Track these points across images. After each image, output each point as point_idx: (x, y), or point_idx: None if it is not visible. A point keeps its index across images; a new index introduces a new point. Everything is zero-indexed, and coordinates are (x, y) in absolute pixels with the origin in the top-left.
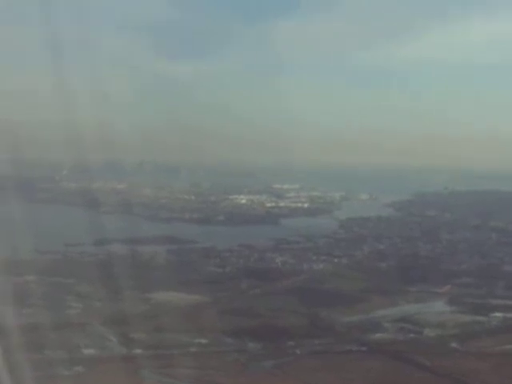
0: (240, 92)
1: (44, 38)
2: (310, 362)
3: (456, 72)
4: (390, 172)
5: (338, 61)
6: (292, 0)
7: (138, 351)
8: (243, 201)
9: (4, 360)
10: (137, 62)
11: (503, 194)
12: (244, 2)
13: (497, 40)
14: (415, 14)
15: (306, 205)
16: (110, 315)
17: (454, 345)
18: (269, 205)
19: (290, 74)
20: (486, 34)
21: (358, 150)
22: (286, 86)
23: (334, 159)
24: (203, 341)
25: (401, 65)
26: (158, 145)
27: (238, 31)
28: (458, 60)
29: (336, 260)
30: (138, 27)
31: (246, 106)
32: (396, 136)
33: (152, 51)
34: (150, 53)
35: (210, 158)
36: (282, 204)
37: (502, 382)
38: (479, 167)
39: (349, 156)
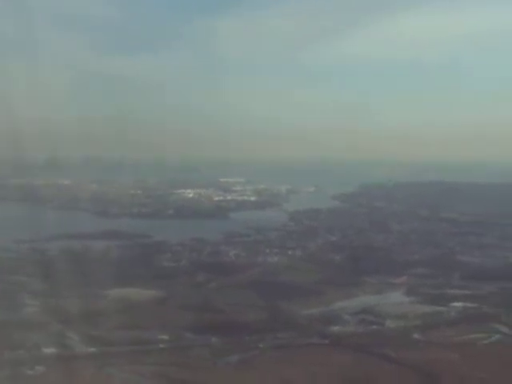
0: (184, 88)
1: None
2: (274, 355)
3: (396, 70)
4: (333, 165)
5: (281, 59)
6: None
7: (100, 348)
8: (190, 195)
9: None
10: (77, 58)
11: (448, 184)
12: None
13: (435, 39)
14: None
15: (252, 198)
16: (68, 313)
17: (416, 335)
18: (216, 198)
19: (235, 72)
20: (424, 32)
21: (300, 145)
22: (230, 83)
23: (277, 154)
24: (165, 337)
25: (342, 63)
26: (103, 141)
27: (178, 28)
28: (401, 59)
29: (289, 252)
30: (74, 23)
31: (189, 102)
32: (336, 131)
33: (92, 47)
34: (89, 48)
35: (155, 153)
36: (229, 197)
37: (466, 371)
38: (417, 159)
39: (292, 151)
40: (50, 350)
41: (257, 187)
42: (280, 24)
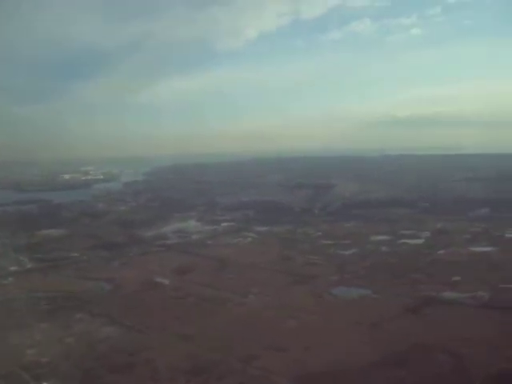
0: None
1: None
2: (139, 257)
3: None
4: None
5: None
6: None
7: (40, 264)
8: (68, 177)
9: None
10: None
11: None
12: None
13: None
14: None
15: (102, 177)
16: (18, 246)
17: (209, 242)
18: (83, 178)
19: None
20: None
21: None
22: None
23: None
24: (76, 254)
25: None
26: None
27: None
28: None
29: (129, 204)
30: None
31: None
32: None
33: None
34: None
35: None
36: (89, 177)
37: (239, 256)
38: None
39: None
40: (13, 268)
41: (103, 171)
42: None
